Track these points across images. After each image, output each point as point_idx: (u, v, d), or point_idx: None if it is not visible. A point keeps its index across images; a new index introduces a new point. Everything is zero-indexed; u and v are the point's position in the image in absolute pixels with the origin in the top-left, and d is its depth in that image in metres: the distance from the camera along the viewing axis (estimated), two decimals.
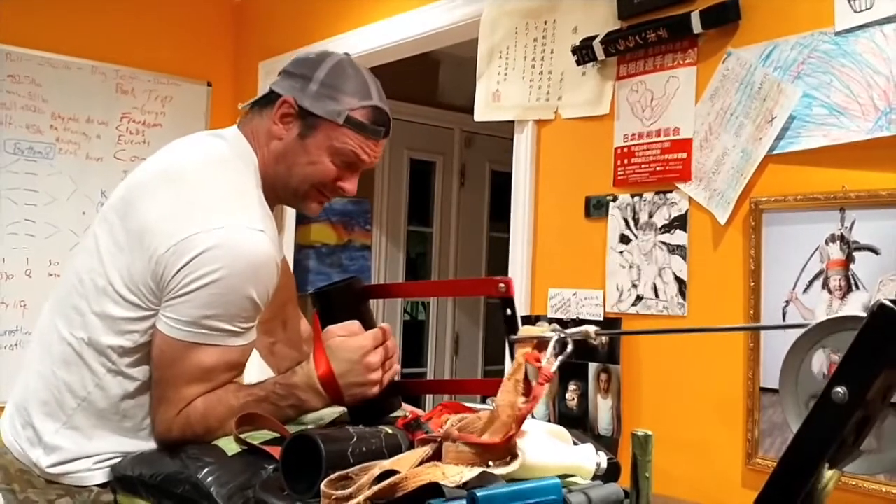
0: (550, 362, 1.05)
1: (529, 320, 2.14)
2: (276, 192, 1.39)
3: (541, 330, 1.12)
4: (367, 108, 1.35)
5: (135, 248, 1.24)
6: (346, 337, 1.29)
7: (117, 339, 1.25)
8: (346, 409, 1.33)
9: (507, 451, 1.01)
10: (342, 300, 1.36)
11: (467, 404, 1.29)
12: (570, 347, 1.06)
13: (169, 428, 1.24)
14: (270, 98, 1.37)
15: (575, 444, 1.14)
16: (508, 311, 1.25)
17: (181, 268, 1.20)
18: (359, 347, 1.28)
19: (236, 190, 1.30)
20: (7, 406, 1.38)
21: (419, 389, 2.99)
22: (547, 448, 1.06)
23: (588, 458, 1.07)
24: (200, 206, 1.25)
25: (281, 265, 1.35)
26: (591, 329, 1.07)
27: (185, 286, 1.20)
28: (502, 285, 1.25)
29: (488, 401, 1.14)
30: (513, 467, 0.99)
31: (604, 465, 1.07)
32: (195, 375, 1.23)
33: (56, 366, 1.29)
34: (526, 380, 1.09)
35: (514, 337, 1.15)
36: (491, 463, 1.00)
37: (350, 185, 1.39)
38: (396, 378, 1.36)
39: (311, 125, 1.34)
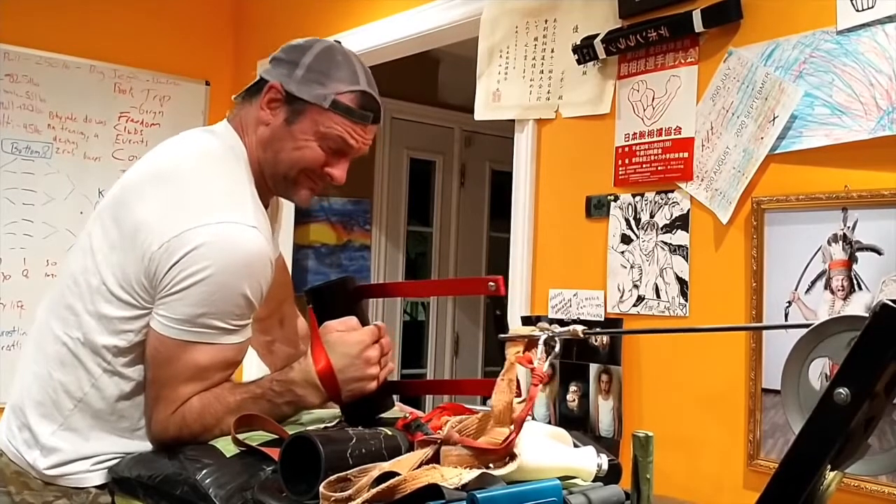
0: (541, 362, 1.04)
1: (530, 321, 2.14)
2: (265, 181, 1.37)
3: (529, 329, 1.11)
4: (354, 93, 1.33)
5: (128, 246, 1.24)
6: (345, 332, 1.29)
7: (112, 339, 1.25)
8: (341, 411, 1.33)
9: (506, 452, 1.00)
10: (336, 297, 1.36)
11: (467, 406, 1.28)
12: (557, 347, 1.06)
13: (165, 427, 1.24)
14: (260, 86, 1.36)
15: (576, 445, 1.13)
16: (497, 311, 1.25)
17: (173, 265, 1.19)
18: (358, 342, 1.27)
19: (229, 186, 1.29)
20: (5, 408, 1.37)
21: (418, 390, 2.98)
22: (547, 450, 1.06)
23: (589, 460, 1.07)
24: (192, 203, 1.24)
25: (277, 263, 1.34)
26: (579, 328, 1.07)
27: (177, 283, 1.19)
28: (492, 284, 1.25)
29: (488, 402, 1.13)
30: (511, 467, 0.98)
31: (605, 466, 1.07)
32: (190, 374, 1.23)
33: (52, 366, 1.28)
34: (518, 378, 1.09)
35: (503, 336, 1.15)
36: (491, 465, 0.99)
37: (338, 172, 1.37)
38: (391, 377, 1.36)
39: (298, 110, 1.32)
